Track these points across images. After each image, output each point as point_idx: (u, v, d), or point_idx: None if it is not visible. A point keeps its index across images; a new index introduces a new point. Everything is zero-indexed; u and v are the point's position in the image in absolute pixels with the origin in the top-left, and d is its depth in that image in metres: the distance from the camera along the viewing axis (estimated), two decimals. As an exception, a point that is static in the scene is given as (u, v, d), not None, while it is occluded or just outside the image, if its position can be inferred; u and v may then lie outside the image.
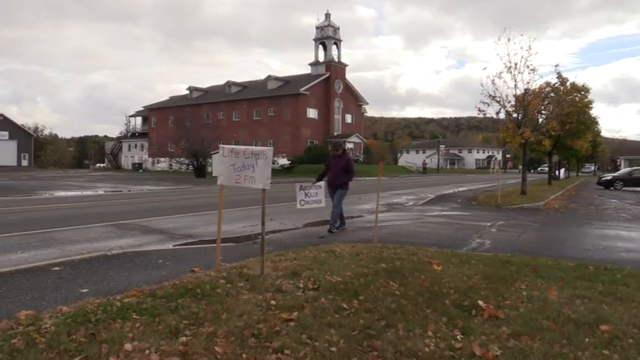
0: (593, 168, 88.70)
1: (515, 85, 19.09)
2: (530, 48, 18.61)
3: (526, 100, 19.10)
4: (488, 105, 19.66)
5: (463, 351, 3.54)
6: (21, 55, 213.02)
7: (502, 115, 20.19)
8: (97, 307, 4.00)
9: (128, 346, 3.24)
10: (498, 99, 19.33)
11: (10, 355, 3.06)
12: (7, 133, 76.67)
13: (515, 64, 18.88)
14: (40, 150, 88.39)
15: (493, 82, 19.12)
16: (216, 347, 3.32)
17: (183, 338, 3.45)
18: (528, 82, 19.09)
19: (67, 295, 4.75)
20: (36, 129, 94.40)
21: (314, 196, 8.06)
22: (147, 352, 3.19)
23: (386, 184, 31.53)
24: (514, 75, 18.98)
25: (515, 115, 19.61)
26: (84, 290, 4.93)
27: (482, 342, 3.69)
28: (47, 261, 6.39)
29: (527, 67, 18.81)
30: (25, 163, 77.67)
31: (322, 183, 8.96)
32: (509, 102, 19.49)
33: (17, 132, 79.00)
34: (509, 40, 18.83)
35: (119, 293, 4.55)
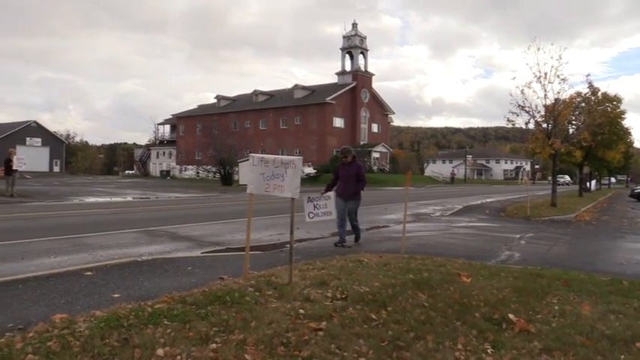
0: (612, 179, 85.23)
1: (545, 95, 18.82)
2: (560, 57, 18.35)
3: (556, 111, 18.81)
4: (517, 115, 19.42)
5: (494, 365, 3.49)
6: (54, 64, 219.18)
7: (531, 126, 19.91)
8: (129, 312, 4.07)
9: (160, 352, 3.29)
10: (528, 109, 19.09)
11: (46, 357, 3.14)
12: (40, 139, 78.65)
13: (545, 74, 18.61)
14: (72, 156, 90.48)
15: (522, 91, 18.91)
16: (246, 355, 3.34)
17: (214, 345, 3.49)
18: (558, 92, 18.81)
19: (99, 300, 4.84)
20: (68, 136, 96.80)
21: (323, 208, 7.60)
22: (178, 357, 3.24)
23: (412, 194, 31.30)
24: (544, 85, 18.71)
25: (544, 125, 19.32)
26: (116, 295, 5.01)
27: (513, 356, 3.65)
28: (80, 265, 6.53)
29: (558, 76, 18.53)
30: (56, 169, 79.49)
31: (332, 193, 8.34)
32: (539, 112, 19.22)
33: (50, 139, 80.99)
34: (538, 49, 18.61)
35: (150, 299, 4.63)
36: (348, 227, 9.42)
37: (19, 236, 9.30)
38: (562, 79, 18.58)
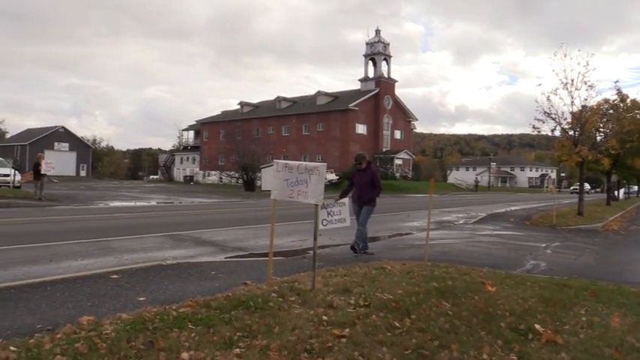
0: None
1: (572, 101, 18.54)
2: (587, 64, 18.07)
3: (583, 118, 18.50)
4: (543, 122, 19.17)
5: (520, 376, 3.43)
6: (82, 70, 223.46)
7: (557, 133, 19.64)
8: (154, 315, 4.12)
9: (185, 355, 3.32)
10: (554, 116, 18.84)
11: (74, 358, 3.19)
12: (67, 144, 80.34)
13: (572, 80, 18.34)
14: (98, 161, 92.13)
15: (548, 98, 18.66)
16: (269, 360, 3.35)
17: (237, 350, 3.50)
18: (586, 99, 18.51)
19: (125, 303, 4.90)
20: (94, 141, 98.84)
21: (337, 215, 7.35)
22: (203, 362, 3.25)
23: (435, 201, 31.07)
24: (570, 91, 18.44)
25: (571, 132, 19.02)
26: (141, 298, 5.07)
27: (540, 367, 3.58)
28: (106, 269, 6.63)
29: (585, 83, 18.25)
30: (83, 173, 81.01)
31: (346, 200, 8.20)
32: (565, 119, 18.94)
33: (77, 143, 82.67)
34: (565, 55, 18.36)
35: (175, 303, 4.67)
36: (370, 235, 9.36)
37: (48, 239, 9.48)
38: (589, 86, 18.30)
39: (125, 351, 3.34)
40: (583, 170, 20.68)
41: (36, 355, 3.21)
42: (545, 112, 18.85)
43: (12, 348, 3.33)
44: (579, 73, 18.21)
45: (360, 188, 9.13)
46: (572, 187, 72.29)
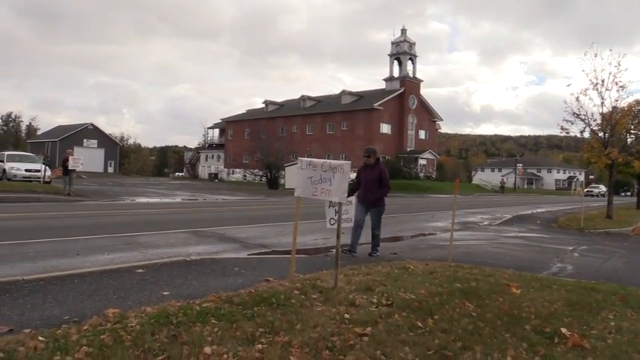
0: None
1: (602, 102, 18.15)
2: (619, 64, 17.67)
3: (614, 119, 18.12)
4: (572, 123, 18.82)
5: (545, 380, 3.38)
6: (110, 69, 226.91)
7: (587, 134, 19.27)
8: (177, 309, 4.16)
9: (208, 350, 3.34)
10: (583, 117, 18.47)
11: (99, 349, 3.24)
12: (96, 141, 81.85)
13: (602, 81, 17.96)
14: (125, 158, 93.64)
15: (577, 99, 18.30)
16: (291, 357, 3.35)
17: (259, 345, 3.52)
18: (616, 100, 18.10)
19: (149, 297, 4.97)
20: (122, 138, 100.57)
21: (345, 214, 7.07)
22: (225, 356, 3.28)
23: (460, 202, 30.77)
24: (601, 92, 18.06)
25: (601, 134, 18.64)
26: (165, 293, 5.14)
27: (566, 372, 3.51)
28: (131, 263, 6.73)
29: (616, 83, 17.85)
30: (110, 170, 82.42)
31: (352, 198, 7.84)
32: (595, 120, 18.56)
33: (105, 140, 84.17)
34: (596, 55, 17.99)
35: (198, 298, 4.71)
36: (393, 235, 9.30)
37: (76, 233, 9.67)
38: (620, 87, 17.90)
39: (149, 344, 3.39)
40: (613, 173, 20.23)
41: (63, 346, 3.28)
42: (574, 113, 18.52)
43: (40, 338, 3.40)
44: (610, 73, 17.84)
45: (366, 186, 8.50)
46: (585, 190, 68.17)
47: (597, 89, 18.08)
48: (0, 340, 3.35)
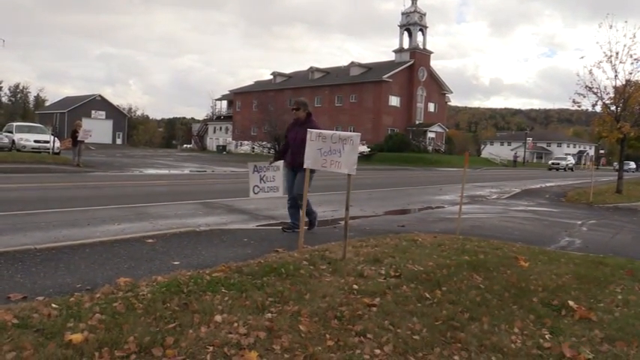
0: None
1: (616, 75, 17.83)
2: (634, 36, 17.31)
3: (627, 92, 17.82)
4: (584, 96, 18.54)
5: (552, 351, 3.41)
6: (115, 39, 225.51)
7: (598, 108, 19.00)
8: (188, 279, 4.21)
9: (218, 318, 3.39)
10: (595, 90, 18.20)
11: (112, 317, 3.29)
12: (104, 112, 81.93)
13: (617, 53, 17.63)
14: (133, 129, 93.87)
15: (590, 72, 18.01)
16: (300, 326, 3.40)
17: (269, 314, 3.57)
18: (630, 73, 17.78)
19: (160, 266, 5.02)
20: (130, 109, 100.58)
21: (270, 182, 6.43)
22: (235, 324, 3.32)
23: (468, 175, 30.72)
24: (614, 65, 17.75)
25: (613, 108, 18.38)
26: (176, 262, 5.19)
27: (572, 343, 3.55)
28: (141, 233, 6.79)
29: (631, 56, 17.52)
30: (119, 141, 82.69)
31: (280, 163, 6.89)
32: (608, 94, 18.30)
33: (113, 112, 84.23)
34: (610, 27, 17.62)
35: (208, 267, 4.76)
36: (400, 207, 9.28)
37: (85, 204, 9.76)
38: (635, 59, 17.57)
39: (161, 312, 3.44)
40: (624, 147, 20.05)
41: (76, 313, 3.33)
42: (586, 86, 18.24)
43: (54, 305, 3.46)
44: (625, 45, 17.48)
45: (294, 148, 7.02)
46: (550, 162, 62.26)
47: (611, 62, 17.77)
48: (14, 307, 3.41)
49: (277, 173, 6.66)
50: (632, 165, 70.33)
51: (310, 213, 7.34)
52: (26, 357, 2.66)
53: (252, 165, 6.64)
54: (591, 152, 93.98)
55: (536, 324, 3.91)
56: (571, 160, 62.36)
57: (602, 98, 18.31)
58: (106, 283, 4.13)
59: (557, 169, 54.95)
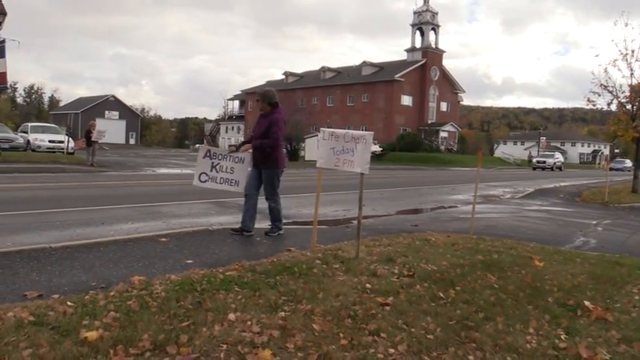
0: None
1: (632, 73, 17.66)
2: (651, 34, 17.08)
3: (643, 91, 17.62)
4: (599, 95, 18.37)
5: (568, 351, 3.37)
6: (127, 40, 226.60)
7: (613, 107, 18.80)
8: (201, 277, 4.22)
9: (232, 316, 3.40)
10: (611, 89, 18.02)
11: (126, 315, 3.31)
12: (117, 113, 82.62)
13: (632, 52, 17.44)
14: (146, 129, 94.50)
15: (606, 70, 17.82)
16: (313, 324, 3.39)
17: (282, 313, 3.57)
18: (647, 71, 17.57)
19: (173, 265, 5.04)
20: (142, 110, 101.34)
21: (226, 173, 5.99)
22: (249, 323, 3.33)
23: (481, 175, 30.51)
24: (630, 63, 17.55)
25: (629, 106, 18.18)
26: (189, 261, 5.21)
27: (588, 344, 3.50)
28: (155, 232, 6.82)
29: (647, 54, 17.30)
30: (132, 141, 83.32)
31: (247, 157, 6.40)
32: (623, 92, 18.10)
33: (126, 112, 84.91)
34: (626, 25, 17.42)
35: (221, 266, 4.77)
36: (413, 207, 9.24)
37: (99, 203, 9.83)
38: (651, 57, 17.35)
39: (175, 310, 3.45)
40: (640, 146, 19.80)
41: (91, 311, 3.36)
42: (601, 85, 18.07)
43: (69, 303, 3.49)
44: (641, 43, 17.28)
45: (256, 143, 6.60)
46: (535, 160, 52.54)
47: (627, 60, 17.60)
48: (30, 305, 3.44)
49: (238, 166, 6.17)
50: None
51: (272, 210, 6.91)
52: (42, 354, 2.69)
53: (205, 149, 6.10)
54: (606, 151, 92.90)
55: (551, 324, 3.87)
56: (559, 158, 53.47)
57: (617, 97, 18.14)
58: (120, 281, 4.16)
59: (543, 169, 47.97)
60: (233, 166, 6.19)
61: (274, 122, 6.45)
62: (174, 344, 2.92)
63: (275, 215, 6.92)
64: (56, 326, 3.07)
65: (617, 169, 52.55)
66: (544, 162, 49.84)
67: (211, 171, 6.02)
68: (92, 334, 2.92)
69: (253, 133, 6.74)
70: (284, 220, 8.90)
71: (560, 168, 50.71)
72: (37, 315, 3.22)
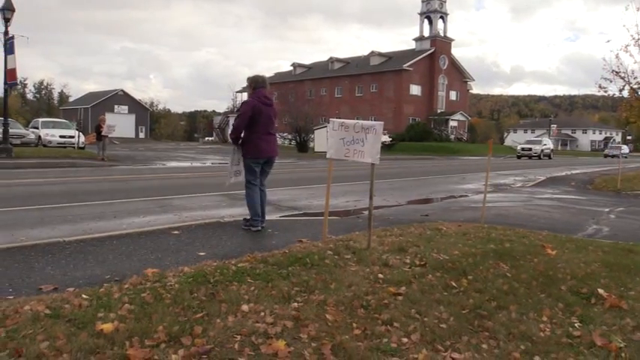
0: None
1: (644, 59, 17.41)
2: (663, 18, 16.83)
3: (656, 76, 17.40)
4: (611, 81, 18.15)
5: (582, 339, 3.36)
6: (134, 34, 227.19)
7: (625, 93, 18.59)
8: (214, 269, 4.24)
9: (245, 307, 3.42)
10: (622, 75, 17.80)
11: (141, 306, 3.34)
12: (126, 107, 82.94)
13: (645, 36, 17.19)
14: (155, 123, 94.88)
15: (617, 56, 17.60)
16: (327, 315, 3.40)
17: (295, 304, 3.58)
18: (659, 56, 17.33)
19: (186, 257, 5.08)
20: (151, 103, 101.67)
21: (236, 165, 6.49)
22: (262, 314, 3.34)
23: (491, 163, 30.37)
24: (642, 48, 17.30)
25: (641, 92, 17.98)
26: (201, 253, 5.24)
27: (603, 332, 3.48)
28: (167, 225, 6.86)
29: (660, 39, 17.06)
30: (141, 135, 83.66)
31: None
32: (635, 78, 17.88)
33: (135, 106, 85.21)
34: (638, 9, 17.17)
35: (233, 258, 4.78)
36: (424, 196, 9.20)
37: (111, 197, 9.90)
38: (664, 43, 17.11)
39: (188, 301, 3.47)
40: (652, 132, 19.61)
41: (106, 303, 3.39)
42: (613, 71, 17.85)
43: (84, 296, 3.52)
44: (654, 28, 17.03)
45: None
46: (520, 147, 46.16)
47: (639, 45, 17.35)
48: (46, 298, 3.48)
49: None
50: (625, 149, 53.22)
51: (251, 206, 6.66)
52: (59, 346, 2.72)
53: (233, 147, 6.52)
54: (618, 138, 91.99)
55: (565, 312, 3.85)
56: (548, 145, 46.56)
57: (629, 83, 17.94)
58: (134, 274, 4.18)
59: (530, 157, 42.99)
60: (240, 158, 6.60)
61: (242, 107, 6.61)
62: (189, 335, 2.94)
63: (248, 207, 6.70)
64: (72, 319, 3.11)
65: (612, 156, 49.87)
66: (529, 149, 43.93)
67: (240, 164, 6.48)
68: (108, 326, 2.95)
69: None
70: (294, 212, 8.94)
71: (549, 156, 44.93)
72: (52, 308, 3.26)
